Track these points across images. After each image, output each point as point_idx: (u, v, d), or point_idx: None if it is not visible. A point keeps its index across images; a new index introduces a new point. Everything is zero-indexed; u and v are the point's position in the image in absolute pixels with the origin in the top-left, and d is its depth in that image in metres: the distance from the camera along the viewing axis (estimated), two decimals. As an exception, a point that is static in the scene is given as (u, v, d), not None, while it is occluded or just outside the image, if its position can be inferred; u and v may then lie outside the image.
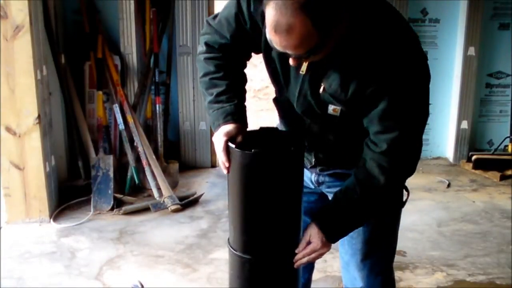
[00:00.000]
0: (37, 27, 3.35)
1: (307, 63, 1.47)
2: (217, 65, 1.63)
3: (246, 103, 1.66)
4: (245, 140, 1.57)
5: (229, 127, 1.57)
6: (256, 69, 7.45)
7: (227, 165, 1.55)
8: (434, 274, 2.93)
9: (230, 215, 1.63)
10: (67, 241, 3.28)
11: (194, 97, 4.33)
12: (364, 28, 1.41)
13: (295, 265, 1.62)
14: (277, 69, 1.60)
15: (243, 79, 1.68)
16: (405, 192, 1.76)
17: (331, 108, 1.54)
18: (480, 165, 4.46)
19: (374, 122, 1.49)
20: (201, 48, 1.67)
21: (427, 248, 3.21)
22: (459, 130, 4.61)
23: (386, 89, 1.43)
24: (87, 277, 2.90)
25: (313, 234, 1.61)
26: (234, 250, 1.63)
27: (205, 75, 1.65)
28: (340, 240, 1.76)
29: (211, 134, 4.43)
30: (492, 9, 4.50)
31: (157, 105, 4.15)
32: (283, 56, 1.45)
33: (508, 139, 4.59)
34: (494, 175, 4.34)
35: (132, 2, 4.00)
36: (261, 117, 5.80)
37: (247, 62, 1.72)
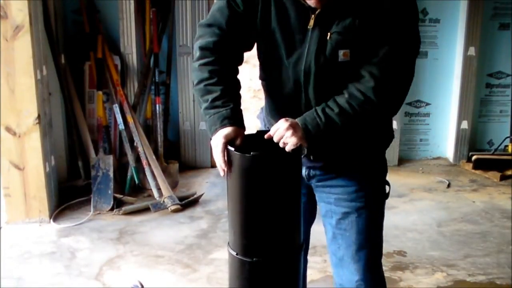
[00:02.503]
0: (37, 27, 3.35)
1: (313, 18, 1.56)
2: (211, 70, 1.64)
3: (242, 107, 1.67)
4: (243, 143, 1.58)
5: (227, 130, 1.57)
6: (256, 69, 7.46)
7: (224, 168, 1.56)
8: (434, 274, 2.93)
9: (230, 218, 1.63)
10: (67, 241, 3.28)
11: (194, 97, 4.33)
12: None
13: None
14: (277, 41, 1.63)
15: (237, 84, 1.70)
16: (387, 187, 1.82)
17: (341, 53, 1.58)
18: (480, 165, 4.46)
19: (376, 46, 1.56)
20: (196, 54, 1.69)
21: (427, 248, 3.21)
22: (459, 130, 4.61)
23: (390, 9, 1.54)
24: (87, 277, 2.90)
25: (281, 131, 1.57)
26: (234, 253, 1.63)
27: (199, 82, 1.66)
28: (331, 237, 1.81)
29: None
30: (492, 9, 4.50)
31: (157, 105, 4.15)
32: (285, 23, 1.57)
33: (508, 139, 4.59)
34: (494, 175, 4.34)
35: (132, 2, 4.01)
36: (261, 117, 5.79)
37: (244, 53, 1.73)
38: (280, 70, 1.68)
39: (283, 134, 1.55)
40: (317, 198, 1.86)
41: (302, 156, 1.69)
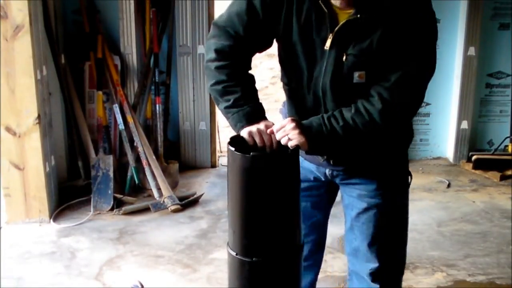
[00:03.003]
0: (37, 27, 3.35)
1: (331, 38, 1.58)
2: (228, 74, 1.66)
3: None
4: (243, 144, 1.59)
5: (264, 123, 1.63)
6: (256, 70, 7.44)
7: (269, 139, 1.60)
8: (434, 274, 2.93)
9: (230, 218, 1.63)
10: (67, 241, 3.28)
11: (194, 97, 4.33)
12: None
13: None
14: (298, 53, 1.65)
15: (254, 82, 1.73)
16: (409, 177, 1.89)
17: (356, 75, 1.61)
18: (480, 165, 4.46)
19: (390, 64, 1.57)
20: (211, 55, 1.68)
21: (427, 248, 3.21)
22: (459, 130, 4.61)
23: (410, 27, 1.55)
24: (87, 277, 2.90)
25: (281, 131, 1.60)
26: (234, 253, 1.63)
27: (217, 83, 1.68)
28: (349, 227, 1.88)
29: (211, 134, 4.44)
30: (492, 9, 4.49)
31: (157, 105, 4.14)
32: (306, 37, 1.59)
33: (508, 139, 4.59)
34: (494, 175, 4.33)
35: (132, 2, 4.00)
36: (261, 117, 5.78)
37: (261, 52, 1.76)
38: (301, 80, 1.70)
39: (289, 131, 1.57)
40: (341, 189, 1.92)
41: (322, 160, 1.75)
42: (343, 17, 1.58)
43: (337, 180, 1.88)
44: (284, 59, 1.74)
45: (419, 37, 1.57)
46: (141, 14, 4.13)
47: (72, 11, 4.04)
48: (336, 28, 1.57)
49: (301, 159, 1.72)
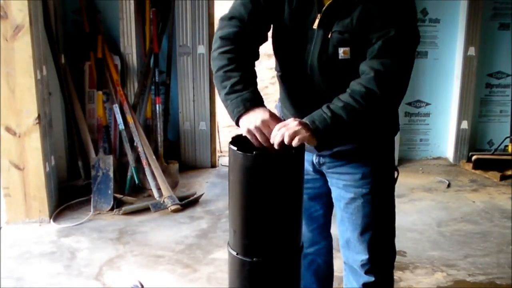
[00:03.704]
0: (37, 27, 3.35)
1: (319, 18, 1.66)
2: (230, 58, 1.68)
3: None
4: (244, 143, 1.58)
5: (261, 112, 1.59)
6: (256, 69, 7.45)
7: (269, 141, 1.57)
8: (434, 274, 2.93)
9: (230, 217, 1.63)
10: (67, 241, 3.28)
11: (194, 97, 4.34)
12: None
13: (271, 140, 1.57)
14: (289, 36, 1.73)
15: (255, 73, 1.74)
16: (395, 172, 1.93)
17: (341, 51, 1.66)
18: (480, 165, 4.46)
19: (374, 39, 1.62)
20: (216, 43, 1.73)
21: (427, 248, 3.21)
22: (459, 130, 4.61)
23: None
24: (87, 277, 2.90)
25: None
26: (235, 252, 1.62)
27: (219, 69, 1.69)
28: (340, 219, 1.91)
29: (211, 134, 4.44)
30: (492, 9, 4.50)
31: (157, 105, 4.15)
32: (297, 19, 1.69)
33: (508, 139, 4.59)
34: (494, 175, 4.34)
35: (132, 2, 4.01)
36: (261, 117, 5.78)
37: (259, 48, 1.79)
38: (291, 63, 1.77)
39: (293, 128, 1.54)
40: (329, 183, 1.94)
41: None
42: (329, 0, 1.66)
43: (324, 169, 1.91)
44: (276, 44, 1.81)
45: (395, 6, 1.63)
46: (141, 14, 4.13)
47: (72, 11, 4.04)
48: (324, 8, 1.65)
49: None
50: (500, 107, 4.71)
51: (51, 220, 3.49)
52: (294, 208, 1.60)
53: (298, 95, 1.81)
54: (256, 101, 1.63)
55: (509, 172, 4.36)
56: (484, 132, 4.75)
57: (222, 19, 1.76)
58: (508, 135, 4.60)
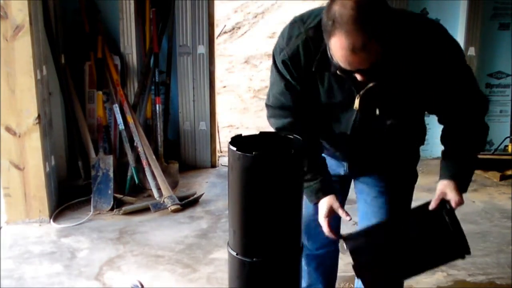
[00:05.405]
0: (37, 27, 3.35)
1: (358, 99, 1.68)
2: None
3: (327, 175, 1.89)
4: (244, 143, 1.58)
5: (326, 202, 1.80)
6: (256, 69, 7.45)
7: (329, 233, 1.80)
8: (434, 274, 2.92)
9: (230, 218, 1.63)
10: (67, 241, 3.28)
11: (194, 97, 4.34)
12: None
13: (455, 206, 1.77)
14: (324, 112, 1.81)
15: (320, 149, 1.89)
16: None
17: (388, 122, 1.78)
18: (480, 165, 4.46)
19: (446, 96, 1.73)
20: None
21: (427, 248, 3.21)
22: (459, 130, 4.61)
23: (445, 64, 1.66)
24: (87, 277, 2.90)
25: (449, 190, 1.78)
26: (235, 253, 1.62)
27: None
28: (363, 214, 2.04)
29: (211, 134, 4.44)
30: (492, 9, 4.49)
31: (157, 105, 4.15)
32: (331, 97, 1.73)
33: (508, 139, 4.59)
34: (494, 175, 4.33)
35: (132, 2, 4.01)
36: (261, 117, 5.80)
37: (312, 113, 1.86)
38: (329, 123, 1.84)
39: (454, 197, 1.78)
40: (353, 178, 2.05)
41: (342, 174, 1.98)
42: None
43: (353, 174, 2.02)
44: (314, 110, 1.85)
45: (456, 72, 1.71)
46: (141, 14, 4.13)
47: (72, 11, 4.04)
48: (362, 92, 1.66)
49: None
50: (500, 107, 4.71)
51: (51, 220, 3.49)
52: (293, 208, 1.61)
53: (333, 144, 1.93)
54: (325, 191, 1.79)
55: (509, 172, 4.36)
56: (484, 132, 4.75)
57: (268, 106, 1.86)
58: (508, 135, 4.59)
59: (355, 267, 1.76)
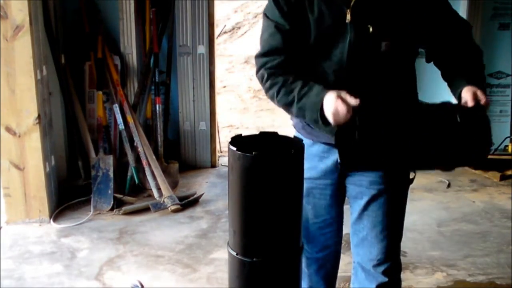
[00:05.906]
0: (37, 27, 3.36)
1: (349, 13, 1.68)
2: (284, 80, 1.72)
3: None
4: (245, 144, 1.59)
5: (330, 93, 1.61)
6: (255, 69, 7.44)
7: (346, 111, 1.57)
8: (434, 274, 2.93)
9: (230, 217, 1.63)
10: (67, 241, 3.28)
11: (194, 97, 4.34)
12: None
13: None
14: (317, 41, 1.74)
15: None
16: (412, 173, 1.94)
17: (383, 44, 1.71)
18: (480, 165, 4.46)
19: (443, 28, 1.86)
20: (265, 79, 1.76)
21: (427, 248, 3.21)
22: (459, 130, 4.61)
23: None
24: (87, 277, 2.90)
25: (479, 93, 1.72)
26: (235, 253, 1.63)
27: (278, 93, 1.73)
28: (357, 217, 1.93)
29: (211, 134, 4.44)
30: (492, 9, 4.49)
31: (157, 105, 4.15)
32: (322, 22, 1.71)
33: (508, 139, 4.59)
34: (494, 175, 4.33)
35: (132, 2, 4.01)
36: (261, 117, 5.82)
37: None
38: (321, 64, 1.76)
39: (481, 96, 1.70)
40: (346, 180, 1.92)
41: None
42: None
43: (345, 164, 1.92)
44: (307, 50, 1.78)
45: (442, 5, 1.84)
46: (141, 14, 4.13)
47: (72, 11, 4.04)
48: (352, 3, 1.67)
49: (321, 157, 1.85)
50: (500, 107, 4.71)
51: (51, 220, 3.49)
52: (293, 208, 1.61)
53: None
54: (324, 90, 1.64)
55: (509, 172, 4.36)
56: (484, 132, 4.75)
57: (258, 56, 1.79)
58: (508, 135, 4.59)
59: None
